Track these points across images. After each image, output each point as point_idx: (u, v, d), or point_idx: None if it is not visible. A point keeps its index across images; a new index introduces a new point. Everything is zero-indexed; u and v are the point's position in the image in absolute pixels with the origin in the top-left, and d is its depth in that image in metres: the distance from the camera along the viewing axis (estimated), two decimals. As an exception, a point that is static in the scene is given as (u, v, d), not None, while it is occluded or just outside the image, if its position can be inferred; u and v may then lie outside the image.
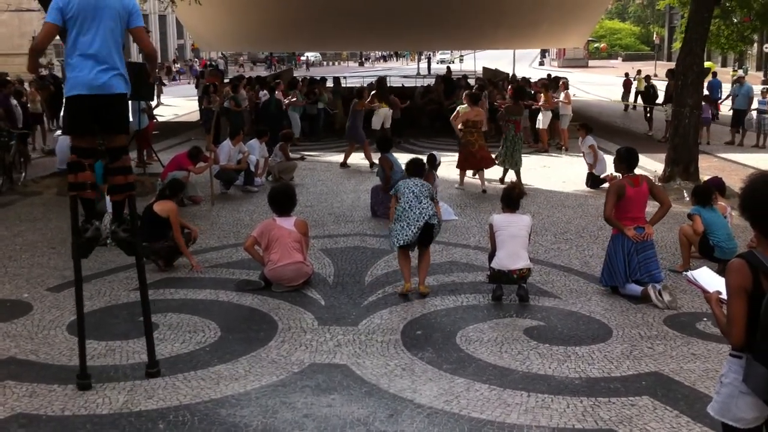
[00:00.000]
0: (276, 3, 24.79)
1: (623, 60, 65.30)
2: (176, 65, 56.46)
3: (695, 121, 12.99)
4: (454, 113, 13.14)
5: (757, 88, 18.54)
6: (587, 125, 13.73)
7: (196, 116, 23.67)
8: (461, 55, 61.02)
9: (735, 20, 23.70)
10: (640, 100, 24.77)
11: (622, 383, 5.26)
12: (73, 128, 5.25)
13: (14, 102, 15.38)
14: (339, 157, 15.58)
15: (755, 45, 39.31)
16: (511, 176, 13.03)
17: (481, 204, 11.47)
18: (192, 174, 11.73)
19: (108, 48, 4.99)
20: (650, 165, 14.39)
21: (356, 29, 26.19)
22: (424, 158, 8.92)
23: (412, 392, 5.10)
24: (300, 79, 24.42)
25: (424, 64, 59.05)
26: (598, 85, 34.51)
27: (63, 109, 5.90)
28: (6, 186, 12.62)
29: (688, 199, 9.89)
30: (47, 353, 5.82)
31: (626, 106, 27.99)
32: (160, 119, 18.17)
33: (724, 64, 49.36)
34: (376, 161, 12.31)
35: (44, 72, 27.93)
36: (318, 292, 7.28)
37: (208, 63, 48.93)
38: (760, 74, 41.60)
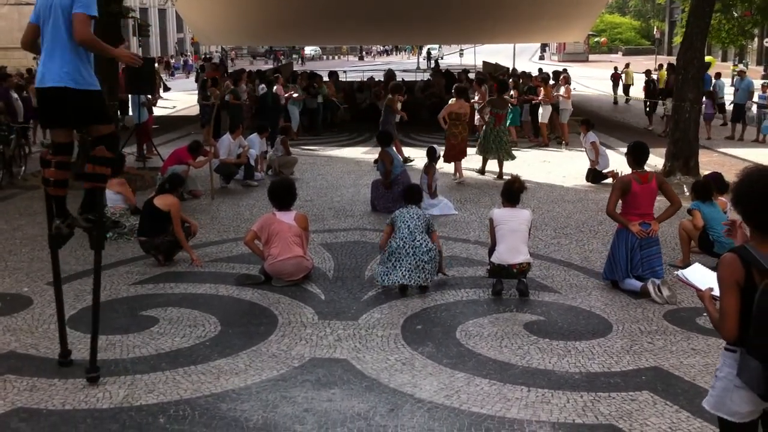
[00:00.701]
0: (276, -3, 24.73)
1: (624, 54, 65.05)
2: (173, 60, 56.24)
3: (695, 115, 12.99)
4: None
5: (757, 83, 18.52)
6: (588, 121, 13.72)
7: (195, 110, 23.63)
8: (461, 50, 60.75)
9: (736, 14, 23.67)
10: (630, 92, 27.06)
11: (622, 378, 5.27)
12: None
13: (15, 96, 15.36)
14: (339, 152, 15.54)
15: (755, 39, 39.21)
16: (491, 166, 13.46)
17: (481, 198, 11.47)
18: (192, 168, 11.73)
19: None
20: (650, 159, 14.29)
21: (356, 23, 26.10)
22: (421, 160, 8.89)
23: (413, 387, 5.10)
24: (299, 73, 24.35)
25: (424, 59, 58.88)
26: (598, 80, 34.41)
27: None
28: (6, 180, 12.61)
29: (687, 194, 9.88)
30: (48, 347, 5.82)
31: (615, 100, 28.79)
32: (156, 113, 18.06)
33: (724, 59, 49.28)
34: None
35: None
36: (318, 287, 7.28)
37: (201, 57, 48.67)
38: (761, 69, 41.52)
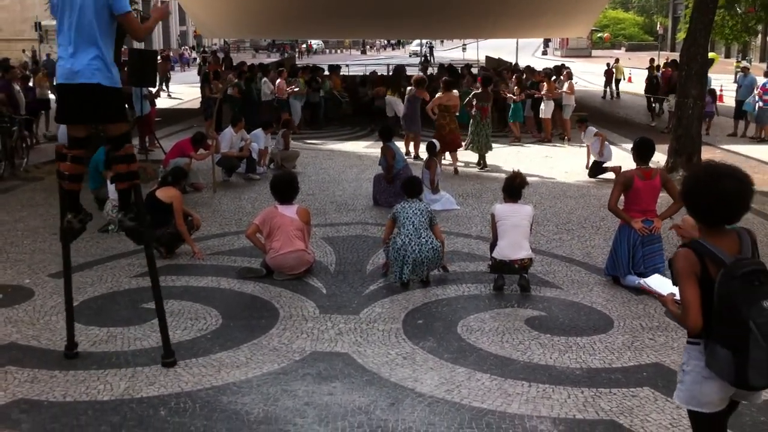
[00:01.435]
0: (279, -10, 24.69)
1: (626, 50, 65.02)
2: (172, 54, 56.09)
3: (698, 112, 12.96)
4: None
5: (761, 80, 18.43)
6: (584, 118, 14.13)
7: (197, 103, 23.65)
8: (464, 45, 60.59)
9: (739, 11, 23.55)
10: (619, 86, 29.40)
11: (623, 374, 5.27)
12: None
13: (17, 88, 15.35)
14: (341, 146, 15.45)
15: (759, 36, 39.12)
16: (485, 159, 13.82)
17: (483, 194, 11.46)
18: (194, 161, 11.72)
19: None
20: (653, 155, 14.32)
21: (358, 17, 26.03)
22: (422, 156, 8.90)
23: (413, 381, 5.11)
24: (301, 67, 24.32)
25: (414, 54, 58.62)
26: (600, 76, 34.31)
27: None
28: (8, 171, 12.62)
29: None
30: (49, 339, 5.83)
31: (604, 93, 29.76)
32: (161, 106, 18.09)
33: (727, 55, 49.18)
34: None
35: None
36: (319, 281, 7.29)
37: (200, 51, 48.55)
38: (764, 65, 41.37)
